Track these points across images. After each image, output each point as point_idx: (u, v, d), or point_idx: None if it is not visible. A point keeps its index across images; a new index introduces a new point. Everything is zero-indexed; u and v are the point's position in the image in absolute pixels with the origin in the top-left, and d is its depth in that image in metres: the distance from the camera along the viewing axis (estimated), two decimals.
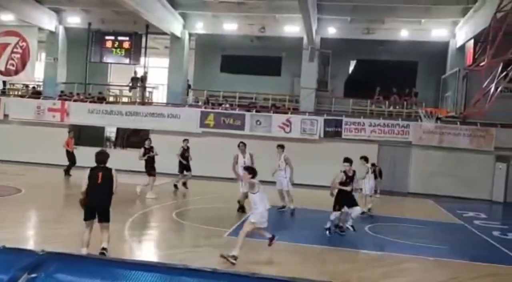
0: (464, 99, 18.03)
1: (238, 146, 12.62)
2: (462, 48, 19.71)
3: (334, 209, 9.99)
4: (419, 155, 18.83)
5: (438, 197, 17.52)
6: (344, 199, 9.96)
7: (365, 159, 13.15)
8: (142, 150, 14.02)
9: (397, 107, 21.39)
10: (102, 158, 7.63)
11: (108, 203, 7.22)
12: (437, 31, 20.45)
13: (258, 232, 7.92)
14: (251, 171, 7.84)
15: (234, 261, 7.23)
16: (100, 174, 7.28)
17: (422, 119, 18.00)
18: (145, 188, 13.59)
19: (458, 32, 20.20)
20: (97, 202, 7.15)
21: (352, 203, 10.05)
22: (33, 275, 1.77)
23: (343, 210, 9.99)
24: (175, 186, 15.32)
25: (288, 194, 12.87)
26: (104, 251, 6.98)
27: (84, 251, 6.88)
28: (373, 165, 13.71)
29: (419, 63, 22.93)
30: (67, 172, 17.33)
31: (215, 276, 1.76)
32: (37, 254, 1.87)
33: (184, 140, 15.74)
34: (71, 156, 17.67)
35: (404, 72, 22.62)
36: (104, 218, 7.17)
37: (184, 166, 15.23)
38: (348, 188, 9.93)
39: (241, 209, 11.87)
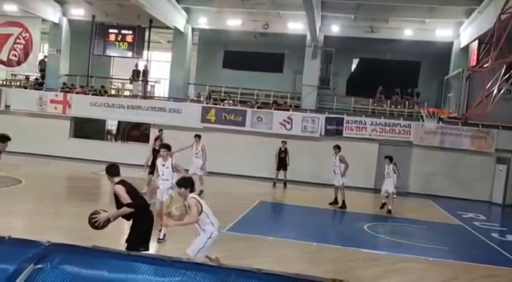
0: (467, 100, 18.00)
1: (194, 136, 14.12)
2: (465, 49, 19.68)
3: None
4: (419, 155, 18.83)
5: (438, 197, 17.53)
6: None
7: (389, 158, 13.32)
8: (151, 150, 13.30)
9: (399, 107, 21.37)
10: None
11: None
12: (441, 31, 20.40)
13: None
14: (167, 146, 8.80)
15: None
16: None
17: (423, 119, 17.98)
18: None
19: (462, 33, 20.15)
20: None
21: None
22: (39, 266, 1.78)
23: None
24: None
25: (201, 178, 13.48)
26: None
27: None
28: (395, 164, 13.76)
29: (422, 63, 22.88)
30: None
31: (221, 271, 1.77)
32: (42, 245, 1.87)
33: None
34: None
35: (406, 72, 22.60)
36: None
37: None
38: None
39: None
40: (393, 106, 21.36)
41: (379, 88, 21.88)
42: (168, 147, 8.85)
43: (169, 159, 8.77)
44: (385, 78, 21.79)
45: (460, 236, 11.75)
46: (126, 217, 5.98)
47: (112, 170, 6.18)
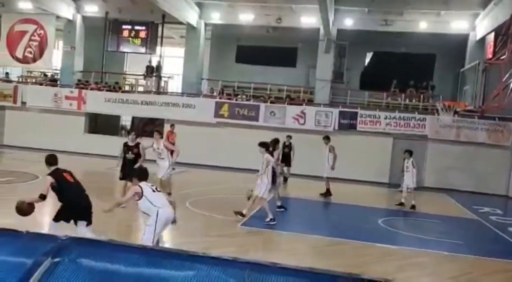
0: (483, 93, 17.74)
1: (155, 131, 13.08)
2: (482, 41, 19.36)
3: None
4: (435, 149, 18.63)
5: (453, 191, 17.35)
6: None
7: (409, 152, 13.25)
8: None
9: (414, 100, 21.15)
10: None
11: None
12: (456, 23, 20.08)
13: None
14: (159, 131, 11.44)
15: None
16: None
17: (439, 113, 17.77)
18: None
19: (478, 25, 19.82)
20: None
21: None
22: (57, 260, 1.80)
23: None
24: None
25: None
26: None
27: None
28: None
29: (437, 56, 22.58)
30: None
31: (236, 265, 1.77)
32: (60, 239, 1.90)
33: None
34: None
35: (421, 65, 22.32)
36: None
37: None
38: None
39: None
40: (407, 100, 21.15)
41: (394, 82, 21.67)
42: (159, 132, 11.63)
43: (160, 141, 11.24)
44: (400, 71, 21.55)
45: (476, 230, 11.62)
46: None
47: (48, 159, 6.50)
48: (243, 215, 9.81)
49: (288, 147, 16.25)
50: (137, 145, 10.71)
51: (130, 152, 10.57)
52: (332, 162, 13.80)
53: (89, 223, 6.35)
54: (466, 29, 20.20)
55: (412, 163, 13.33)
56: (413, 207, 13.12)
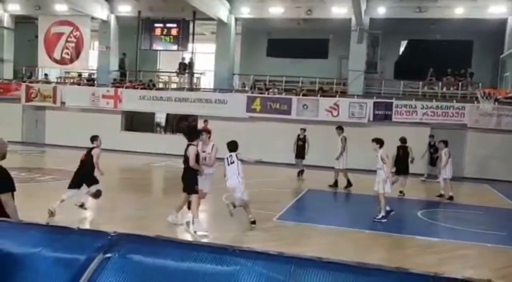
0: None
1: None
2: None
3: None
4: (474, 138, 18.08)
5: (495, 181, 16.79)
6: None
7: (444, 143, 12.96)
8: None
9: (451, 88, 20.55)
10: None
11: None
12: (494, 8, 19.33)
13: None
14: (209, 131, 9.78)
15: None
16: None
17: (479, 101, 17.21)
18: None
19: None
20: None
21: None
22: (108, 255, 1.86)
23: None
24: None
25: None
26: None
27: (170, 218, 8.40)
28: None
29: (475, 42, 21.85)
30: None
31: (281, 259, 1.78)
32: (109, 235, 1.96)
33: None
34: None
35: (458, 52, 21.63)
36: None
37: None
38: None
39: None
40: (445, 88, 20.59)
41: (430, 70, 21.12)
42: (208, 131, 9.65)
43: (210, 144, 9.05)
44: (436, 59, 20.96)
45: None
46: None
47: None
48: None
49: (302, 140, 16.01)
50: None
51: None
52: (340, 153, 13.58)
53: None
54: (504, 14, 19.44)
55: (446, 153, 12.96)
56: (450, 198, 12.80)
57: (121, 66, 24.33)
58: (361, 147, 18.24)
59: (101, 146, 9.48)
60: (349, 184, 13.85)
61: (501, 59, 19.50)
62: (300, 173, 16.01)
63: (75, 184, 8.98)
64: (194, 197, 8.13)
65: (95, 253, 1.86)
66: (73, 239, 1.99)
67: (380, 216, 9.74)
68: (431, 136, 16.65)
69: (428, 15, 19.95)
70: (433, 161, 16.00)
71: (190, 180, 8.16)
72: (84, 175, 9.02)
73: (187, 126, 8.35)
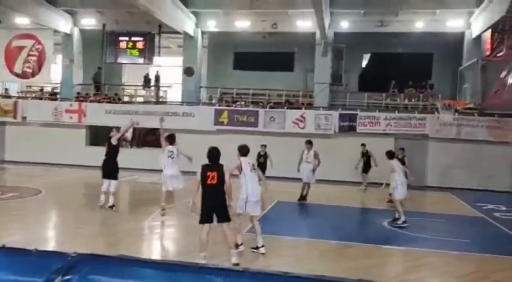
0: (482, 90, 17.74)
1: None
2: (478, 39, 19.42)
3: None
4: (436, 148, 18.61)
5: (457, 189, 17.30)
6: None
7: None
8: None
9: (413, 100, 21.16)
10: (216, 155, 7.13)
11: (225, 202, 6.94)
12: (452, 22, 20.14)
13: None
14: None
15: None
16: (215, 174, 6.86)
17: (439, 111, 17.77)
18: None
19: (473, 23, 19.86)
20: (215, 203, 6.86)
21: None
22: (67, 277, 1.80)
23: None
24: None
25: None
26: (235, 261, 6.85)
27: (202, 257, 6.78)
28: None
29: (435, 55, 22.64)
30: None
31: (246, 275, 1.76)
32: (69, 256, 1.90)
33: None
34: None
35: (419, 65, 22.37)
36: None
37: None
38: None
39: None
40: (407, 100, 21.17)
41: (392, 82, 21.70)
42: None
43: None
44: (398, 72, 21.60)
45: (482, 228, 11.57)
46: None
47: None
48: None
49: (263, 157, 15.78)
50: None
51: None
52: (315, 167, 13.56)
53: None
54: (462, 27, 20.26)
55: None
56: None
57: (95, 79, 23.81)
58: (327, 158, 18.54)
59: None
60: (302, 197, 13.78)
61: (459, 71, 20.25)
62: None
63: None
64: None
65: (53, 275, 1.80)
66: (31, 261, 1.92)
67: (400, 222, 10.31)
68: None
69: (390, 29, 20.58)
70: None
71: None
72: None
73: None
